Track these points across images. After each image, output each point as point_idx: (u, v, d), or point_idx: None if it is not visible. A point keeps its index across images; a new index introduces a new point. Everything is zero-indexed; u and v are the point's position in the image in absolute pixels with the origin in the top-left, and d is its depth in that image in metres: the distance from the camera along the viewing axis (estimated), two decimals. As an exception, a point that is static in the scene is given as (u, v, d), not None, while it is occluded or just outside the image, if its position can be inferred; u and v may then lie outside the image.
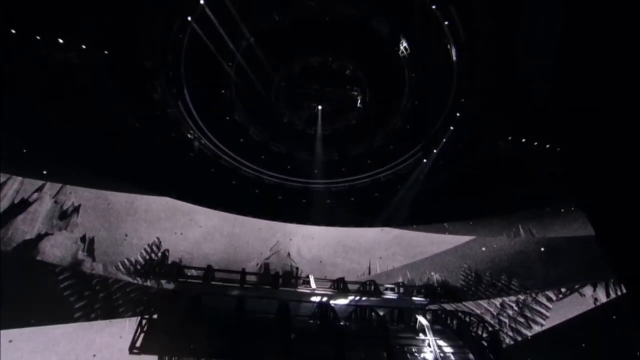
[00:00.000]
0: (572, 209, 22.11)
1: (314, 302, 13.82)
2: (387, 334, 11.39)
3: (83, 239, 19.07)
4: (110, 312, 17.37)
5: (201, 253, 21.19)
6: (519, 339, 18.39)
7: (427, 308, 15.05)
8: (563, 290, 18.77)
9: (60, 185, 19.42)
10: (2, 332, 15.48)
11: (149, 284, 17.04)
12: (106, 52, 15.95)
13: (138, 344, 10.17)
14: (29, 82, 16.38)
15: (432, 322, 13.51)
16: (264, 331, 11.05)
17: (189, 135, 18.56)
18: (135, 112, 18.10)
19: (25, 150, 17.20)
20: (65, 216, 19.15)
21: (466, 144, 18.93)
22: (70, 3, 14.32)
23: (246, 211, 22.83)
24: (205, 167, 20.74)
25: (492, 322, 18.64)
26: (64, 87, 16.77)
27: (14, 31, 15.19)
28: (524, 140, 18.87)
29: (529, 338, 19.15)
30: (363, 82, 19.15)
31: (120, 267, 19.25)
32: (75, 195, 19.51)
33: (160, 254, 20.80)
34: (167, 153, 19.91)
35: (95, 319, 17.17)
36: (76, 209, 19.49)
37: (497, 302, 19.54)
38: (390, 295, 15.44)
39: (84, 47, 15.69)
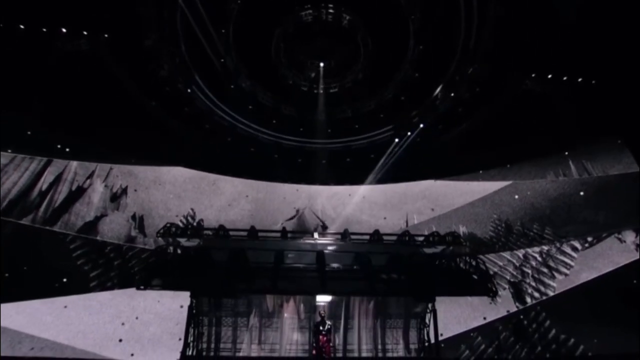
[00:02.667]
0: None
1: (313, 251, 14.20)
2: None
3: (133, 217, 20.73)
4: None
5: (228, 219, 22.13)
6: (542, 288, 17.59)
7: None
8: (589, 239, 17.34)
9: (107, 170, 20.97)
10: (59, 299, 17.77)
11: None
12: (106, 36, 16.50)
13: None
14: (45, 71, 17.46)
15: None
16: (255, 272, 12.20)
17: None
18: (146, 90, 18.81)
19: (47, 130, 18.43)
20: (115, 198, 20.73)
21: (484, 86, 17.37)
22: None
23: (268, 176, 23.21)
24: (222, 137, 21.26)
25: (515, 273, 17.94)
26: (76, 73, 17.68)
27: (22, 26, 16.21)
28: (549, 76, 16.92)
29: (574, 287, 18.20)
30: (362, 31, 17.97)
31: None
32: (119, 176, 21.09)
33: (195, 224, 22.11)
34: (184, 126, 20.76)
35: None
36: (124, 191, 21.02)
37: (520, 253, 18.62)
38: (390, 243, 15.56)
39: (85, 33, 16.34)
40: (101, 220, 19.93)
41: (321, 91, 19.80)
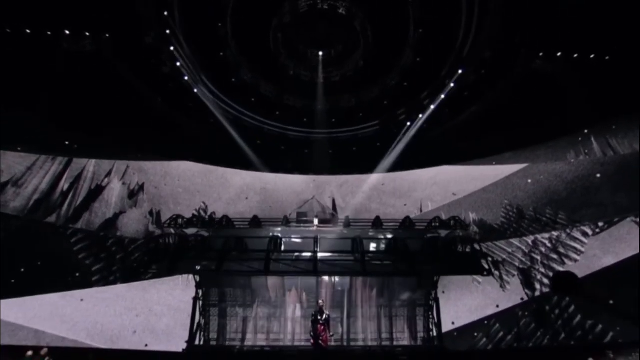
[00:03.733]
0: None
1: (312, 237, 14.32)
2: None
3: (150, 212, 21.27)
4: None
5: (237, 211, 22.36)
6: (552, 274, 17.02)
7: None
8: (600, 224, 16.56)
9: (124, 168, 21.51)
10: (76, 292, 18.51)
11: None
12: (107, 35, 16.76)
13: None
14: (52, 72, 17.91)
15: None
16: (251, 257, 12.76)
17: None
18: (152, 88, 19.09)
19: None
20: (132, 195, 21.28)
21: (489, 68, 16.71)
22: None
23: (276, 168, 23.25)
24: (227, 131, 21.38)
25: (524, 259, 17.44)
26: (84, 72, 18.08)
27: (28, 31, 16.67)
28: (559, 54, 16.07)
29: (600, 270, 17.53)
30: (360, 16, 17.54)
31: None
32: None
33: (207, 217, 22.47)
34: (191, 121, 21.00)
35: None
36: (141, 187, 21.55)
37: (529, 239, 18.02)
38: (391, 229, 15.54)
39: (87, 34, 16.67)
40: (120, 217, 20.47)
41: (322, 80, 19.57)
